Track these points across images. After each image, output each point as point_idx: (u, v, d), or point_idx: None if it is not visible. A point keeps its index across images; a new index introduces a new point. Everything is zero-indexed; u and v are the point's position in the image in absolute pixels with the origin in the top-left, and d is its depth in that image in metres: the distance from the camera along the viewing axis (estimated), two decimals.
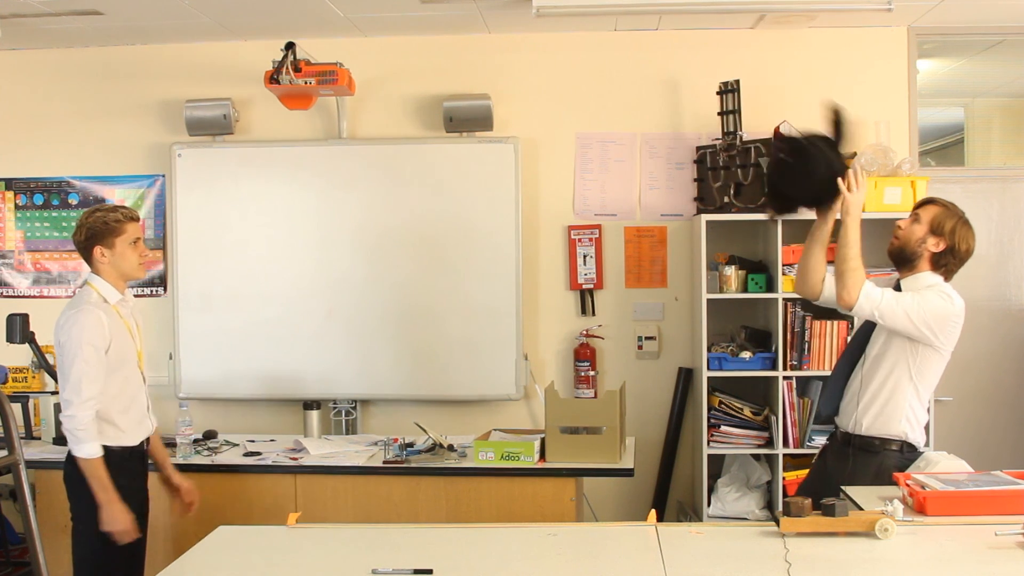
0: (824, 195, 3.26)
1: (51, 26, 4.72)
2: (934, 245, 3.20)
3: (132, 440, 3.37)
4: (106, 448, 3.25)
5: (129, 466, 3.35)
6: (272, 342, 4.97)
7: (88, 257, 3.37)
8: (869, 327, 3.30)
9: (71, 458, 3.26)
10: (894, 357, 3.19)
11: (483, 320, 4.89)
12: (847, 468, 3.20)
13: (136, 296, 5.09)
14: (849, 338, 3.54)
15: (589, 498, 4.74)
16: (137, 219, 3.43)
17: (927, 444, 4.41)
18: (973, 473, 3.00)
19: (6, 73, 5.20)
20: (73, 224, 5.08)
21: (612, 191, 5.00)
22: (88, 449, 3.18)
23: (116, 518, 3.20)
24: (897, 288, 3.26)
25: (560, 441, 3.84)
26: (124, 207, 3.45)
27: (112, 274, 3.36)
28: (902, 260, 3.26)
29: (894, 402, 3.18)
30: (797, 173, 3.31)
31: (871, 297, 3.09)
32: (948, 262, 3.21)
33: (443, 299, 4.91)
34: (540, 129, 5.00)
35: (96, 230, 3.33)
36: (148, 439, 3.50)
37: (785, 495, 4.41)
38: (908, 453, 3.20)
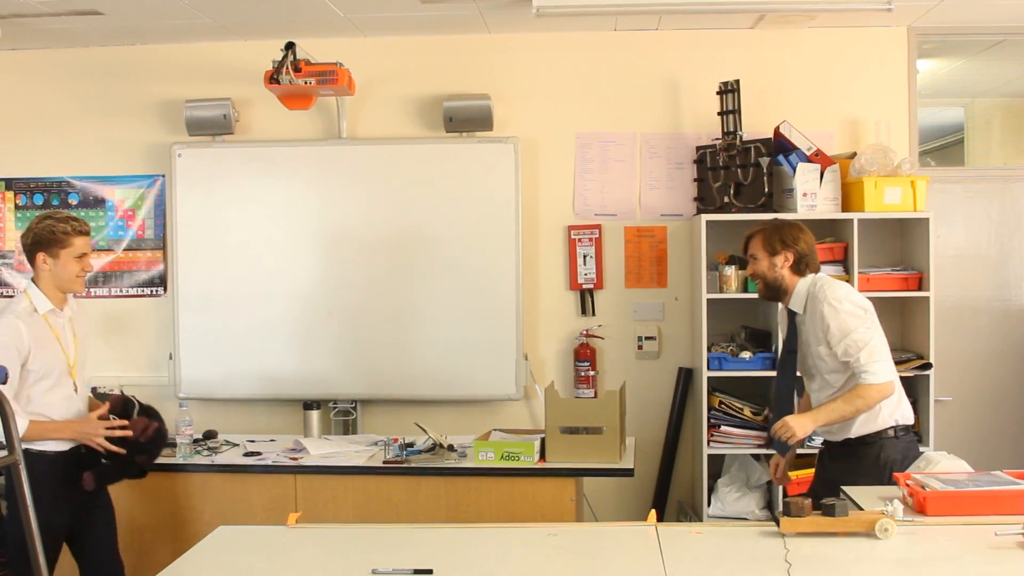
0: None
1: (51, 26, 4.72)
2: (784, 262, 3.34)
3: (64, 445, 3.35)
4: (41, 453, 3.23)
5: (63, 471, 3.33)
6: (272, 342, 4.97)
7: (31, 261, 3.36)
8: (789, 359, 3.41)
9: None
10: (840, 363, 3.25)
11: (483, 320, 4.89)
12: (849, 466, 3.23)
13: (136, 296, 5.16)
14: (778, 358, 3.63)
15: (589, 498, 4.74)
16: (87, 233, 3.40)
17: (927, 444, 4.45)
18: (973, 473, 3.01)
19: (6, 73, 5.20)
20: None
21: (612, 191, 5.00)
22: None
23: (88, 432, 3.28)
24: (792, 314, 3.39)
25: (560, 441, 3.84)
26: (76, 220, 3.40)
27: (50, 284, 3.35)
28: (777, 294, 3.40)
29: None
30: None
31: (880, 370, 3.17)
32: (805, 263, 3.35)
33: (443, 299, 4.91)
34: (540, 129, 4.99)
35: (42, 237, 3.32)
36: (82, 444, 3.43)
37: (785, 495, 4.40)
38: (904, 435, 3.26)
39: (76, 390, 3.43)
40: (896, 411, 3.26)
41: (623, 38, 4.97)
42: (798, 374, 3.53)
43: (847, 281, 4.51)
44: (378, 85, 5.02)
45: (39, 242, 3.32)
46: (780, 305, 3.55)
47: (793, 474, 4.45)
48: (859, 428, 3.25)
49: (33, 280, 3.39)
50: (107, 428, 3.35)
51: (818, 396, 3.39)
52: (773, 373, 4.49)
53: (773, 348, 4.54)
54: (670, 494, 4.97)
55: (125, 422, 3.42)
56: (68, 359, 3.39)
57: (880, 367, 3.17)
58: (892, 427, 3.24)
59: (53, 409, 3.33)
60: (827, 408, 3.23)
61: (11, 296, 5.18)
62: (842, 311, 3.21)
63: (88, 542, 3.51)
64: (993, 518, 2.65)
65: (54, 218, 3.36)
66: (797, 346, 3.40)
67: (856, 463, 3.23)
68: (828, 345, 3.23)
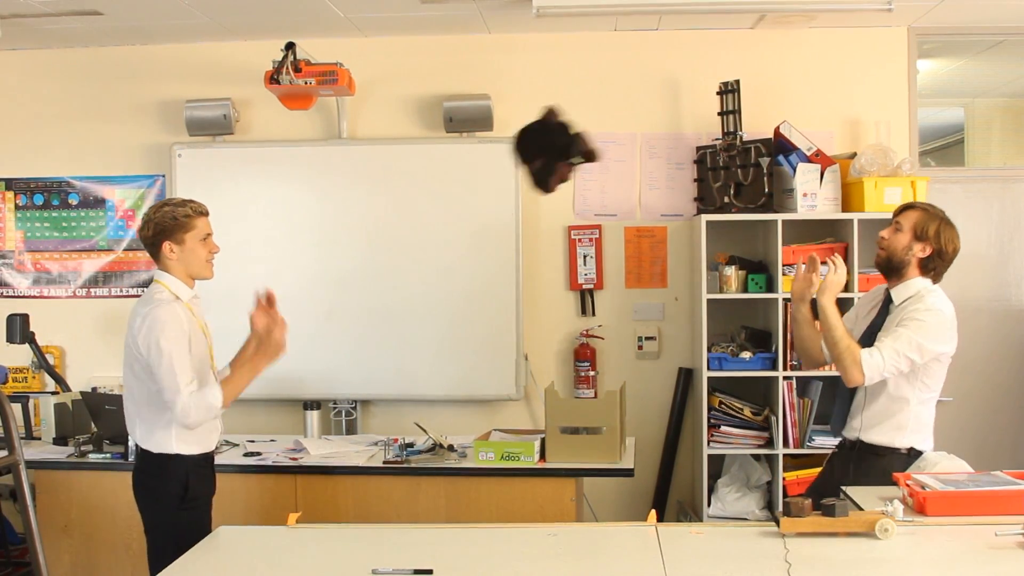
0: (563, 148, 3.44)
1: (51, 26, 4.72)
2: (920, 251, 3.19)
3: (208, 445, 3.26)
4: (180, 456, 3.13)
5: (204, 472, 3.24)
6: None
7: (156, 254, 3.22)
8: (867, 340, 3.26)
9: (140, 467, 3.17)
10: (899, 373, 3.16)
11: (483, 320, 4.89)
12: (852, 471, 3.20)
13: (136, 296, 5.15)
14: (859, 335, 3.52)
15: (589, 498, 4.74)
16: (207, 213, 3.28)
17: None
18: (973, 473, 3.00)
19: (6, 73, 5.20)
20: (73, 224, 5.15)
21: (612, 191, 5.00)
22: (215, 396, 3.07)
23: (274, 350, 3.19)
24: (888, 299, 3.26)
25: (560, 441, 3.84)
26: (193, 201, 3.27)
27: (181, 272, 3.23)
28: (891, 270, 3.25)
29: (901, 416, 3.18)
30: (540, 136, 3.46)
31: (874, 367, 3.08)
32: (936, 265, 3.21)
33: (443, 299, 4.91)
34: None
35: (164, 225, 3.18)
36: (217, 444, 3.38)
37: (785, 495, 4.41)
38: (914, 457, 3.20)
39: (216, 379, 3.30)
40: (919, 438, 3.20)
41: (623, 38, 4.97)
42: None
43: (846, 281, 4.50)
44: (378, 85, 5.02)
45: (162, 230, 3.17)
46: (875, 289, 3.41)
47: (794, 474, 4.46)
48: (878, 436, 3.19)
49: (161, 271, 3.24)
50: (276, 317, 3.23)
51: (866, 393, 3.26)
52: (774, 373, 4.51)
53: (773, 348, 4.54)
54: (670, 494, 4.97)
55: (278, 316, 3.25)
56: (210, 347, 3.31)
57: (879, 365, 3.06)
58: (907, 448, 3.19)
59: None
60: (836, 315, 3.14)
61: (14, 296, 5.19)
62: (942, 324, 3.11)
63: None
64: (993, 518, 2.65)
65: (171, 203, 3.23)
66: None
67: (860, 471, 3.18)
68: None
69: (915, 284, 3.20)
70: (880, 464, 3.18)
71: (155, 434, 3.14)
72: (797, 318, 3.38)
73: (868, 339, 3.29)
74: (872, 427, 3.21)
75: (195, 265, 3.25)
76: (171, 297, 3.18)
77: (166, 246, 3.19)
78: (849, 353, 3.10)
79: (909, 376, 3.14)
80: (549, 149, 3.44)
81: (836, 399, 3.43)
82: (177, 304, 3.16)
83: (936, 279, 3.23)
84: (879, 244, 3.28)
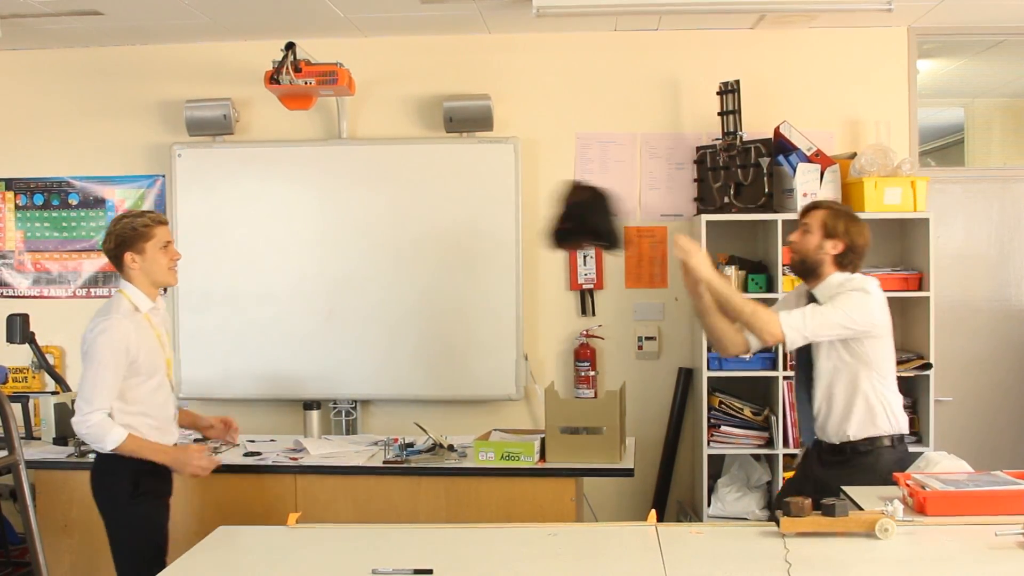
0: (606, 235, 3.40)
1: (51, 26, 4.72)
2: (833, 248, 3.23)
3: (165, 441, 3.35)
4: (135, 457, 3.23)
5: (157, 470, 3.30)
6: (272, 342, 4.97)
7: (119, 265, 3.32)
8: (806, 348, 3.30)
9: (96, 472, 3.28)
10: (844, 363, 3.21)
11: (483, 320, 4.89)
12: (844, 472, 3.20)
13: None
14: (793, 363, 3.53)
15: (589, 498, 4.74)
16: (165, 222, 3.38)
17: (927, 444, 4.45)
18: (973, 473, 3.00)
19: (6, 73, 5.20)
20: (73, 224, 5.15)
21: (612, 191, 4.99)
22: (113, 438, 3.16)
23: (185, 462, 3.28)
24: (811, 299, 3.28)
25: (560, 441, 3.84)
26: (152, 212, 3.41)
27: (144, 281, 3.32)
28: (807, 272, 3.29)
29: (867, 403, 3.20)
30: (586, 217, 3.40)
31: (794, 326, 3.09)
32: (851, 260, 3.24)
33: (443, 299, 4.91)
34: (540, 129, 5.00)
35: (125, 236, 3.28)
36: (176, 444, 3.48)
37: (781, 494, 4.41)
38: (899, 444, 3.23)
39: (173, 387, 3.43)
40: (895, 420, 3.23)
41: (623, 38, 4.97)
42: None
43: None
44: (378, 85, 5.02)
45: (123, 242, 3.27)
46: (798, 287, 3.44)
47: (792, 475, 4.45)
48: (857, 430, 3.20)
49: (125, 282, 3.33)
50: (208, 461, 3.35)
51: (823, 395, 3.30)
52: (774, 373, 4.52)
53: (773, 348, 4.54)
54: (670, 494, 4.97)
55: (219, 462, 3.40)
56: (166, 357, 3.39)
57: (799, 327, 3.07)
58: (889, 435, 3.21)
59: (159, 408, 3.33)
60: (725, 283, 3.18)
61: (15, 296, 5.19)
62: (864, 300, 3.12)
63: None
64: (993, 518, 2.65)
65: (130, 215, 3.34)
66: None
67: (852, 471, 3.19)
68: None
69: (835, 279, 3.24)
70: (869, 461, 3.20)
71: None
72: (700, 309, 3.32)
73: (803, 351, 3.31)
74: (848, 425, 3.22)
75: (157, 273, 3.33)
76: (130, 309, 3.28)
77: (128, 256, 3.29)
78: (757, 315, 3.11)
79: (851, 363, 3.18)
80: (587, 226, 3.40)
81: (798, 412, 3.46)
82: (134, 317, 3.27)
83: (854, 270, 3.27)
84: (791, 248, 3.32)
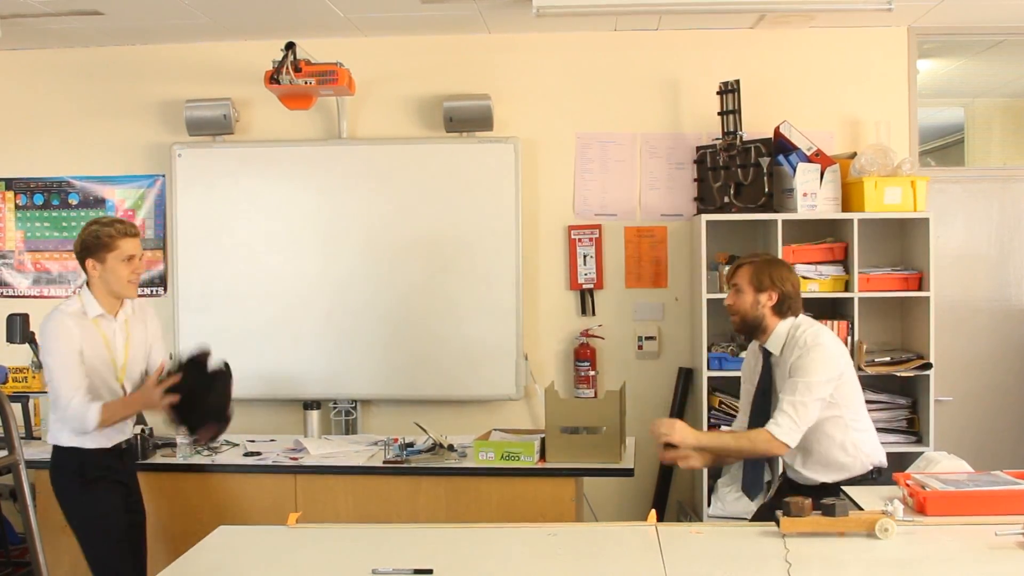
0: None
1: (51, 26, 4.72)
2: (768, 300, 3.26)
3: (104, 442, 3.38)
4: (81, 449, 3.31)
5: (108, 464, 3.38)
6: (272, 342, 4.97)
7: (83, 268, 3.38)
8: (762, 401, 3.31)
9: (51, 468, 3.37)
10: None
11: (483, 320, 4.89)
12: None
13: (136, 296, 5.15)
14: (749, 401, 3.53)
15: (589, 498, 4.74)
16: (135, 235, 3.39)
17: (927, 444, 4.45)
18: (973, 473, 3.01)
19: (6, 73, 5.20)
20: (73, 224, 5.15)
21: (612, 191, 5.00)
22: (92, 416, 3.23)
23: (150, 400, 3.28)
24: (767, 354, 3.31)
25: (560, 441, 3.84)
26: (122, 222, 3.41)
27: (102, 289, 3.36)
28: (751, 329, 3.32)
29: (842, 447, 3.19)
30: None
31: (790, 431, 3.09)
32: (788, 305, 3.27)
33: (443, 299, 4.91)
34: (540, 129, 5.00)
35: (88, 244, 3.33)
36: (130, 441, 3.55)
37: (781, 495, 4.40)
38: (879, 476, 3.22)
39: (125, 391, 3.44)
40: (871, 456, 3.23)
41: (623, 38, 4.97)
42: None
43: (846, 281, 4.52)
44: (378, 85, 5.02)
45: (86, 248, 3.33)
46: (752, 345, 3.47)
47: None
48: (836, 475, 3.20)
49: (87, 285, 3.39)
50: (164, 388, 3.31)
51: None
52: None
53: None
54: (670, 494, 4.97)
55: (176, 378, 3.36)
56: (116, 364, 3.41)
57: (790, 427, 3.08)
58: (868, 471, 3.21)
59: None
60: (715, 434, 3.27)
61: (15, 296, 5.19)
62: (821, 354, 3.13)
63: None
64: (993, 518, 2.65)
65: (100, 223, 3.37)
66: (772, 387, 3.32)
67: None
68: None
69: (782, 329, 3.27)
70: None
71: (52, 428, 3.36)
72: (718, 462, 3.44)
73: (761, 397, 3.34)
74: (824, 471, 3.22)
75: (115, 284, 3.36)
76: (78, 311, 3.33)
77: (89, 263, 3.35)
78: (755, 444, 3.13)
79: (827, 408, 3.16)
80: (201, 408, 3.39)
81: (746, 464, 3.49)
82: (79, 319, 3.32)
83: (795, 314, 3.29)
84: (729, 312, 3.36)
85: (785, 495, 3.29)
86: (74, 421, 3.25)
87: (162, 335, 3.70)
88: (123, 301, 3.44)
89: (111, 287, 3.36)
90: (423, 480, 3.84)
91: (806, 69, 4.90)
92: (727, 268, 4.52)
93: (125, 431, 3.51)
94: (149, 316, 3.61)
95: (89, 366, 3.32)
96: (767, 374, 3.34)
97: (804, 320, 3.29)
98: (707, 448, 3.18)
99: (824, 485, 3.20)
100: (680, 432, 3.14)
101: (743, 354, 4.52)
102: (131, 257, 3.35)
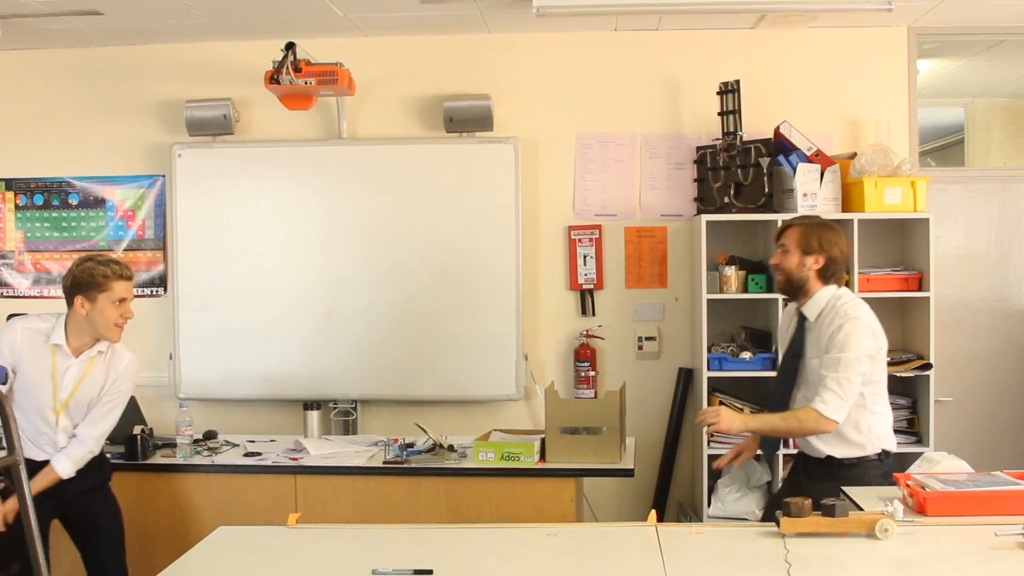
0: None
1: (51, 26, 4.72)
2: (814, 263, 3.26)
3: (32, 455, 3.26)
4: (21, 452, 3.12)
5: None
6: (272, 342, 4.97)
7: (69, 303, 3.28)
8: (792, 363, 3.32)
9: None
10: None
11: (483, 320, 4.89)
12: (831, 485, 3.18)
13: (136, 296, 5.11)
14: (779, 361, 3.57)
15: (589, 498, 4.73)
16: (130, 278, 3.30)
17: (927, 444, 4.45)
18: (973, 473, 3.01)
19: (6, 73, 5.20)
20: (73, 224, 5.15)
21: (612, 191, 5.00)
22: None
23: None
24: (802, 318, 3.31)
25: (560, 441, 3.84)
26: (118, 262, 3.31)
27: (81, 327, 3.28)
28: (794, 291, 3.32)
29: (856, 426, 3.19)
30: None
31: (836, 406, 3.10)
32: (833, 271, 3.27)
33: (443, 299, 4.91)
34: (540, 129, 4.99)
35: (81, 280, 3.24)
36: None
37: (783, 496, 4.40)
38: (886, 459, 3.23)
39: (57, 425, 3.32)
40: (883, 440, 3.24)
41: (623, 38, 4.97)
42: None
43: (847, 282, 4.51)
44: (378, 85, 5.02)
45: (78, 284, 3.24)
46: (789, 306, 3.48)
47: None
48: (846, 450, 3.20)
49: (67, 316, 3.30)
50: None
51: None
52: (772, 373, 4.50)
53: (773, 348, 4.54)
54: (670, 494, 4.97)
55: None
56: (56, 396, 3.29)
57: (837, 403, 3.09)
58: (877, 453, 3.22)
59: (28, 432, 3.27)
60: (762, 417, 3.26)
61: (15, 296, 5.18)
62: (861, 330, 3.13)
63: (92, 552, 3.48)
64: (993, 518, 2.66)
65: (96, 260, 3.28)
66: (804, 351, 3.31)
67: (839, 484, 3.18)
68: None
69: (823, 296, 3.27)
70: (856, 474, 3.20)
71: None
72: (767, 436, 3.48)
73: (791, 360, 3.35)
74: (834, 444, 3.22)
75: (101, 325, 3.28)
76: (43, 331, 3.29)
77: (78, 300, 3.26)
78: (803, 423, 3.15)
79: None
80: None
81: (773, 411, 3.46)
82: (33, 337, 3.27)
83: (838, 282, 3.30)
84: (774, 271, 3.36)
85: (799, 470, 3.36)
86: None
87: (127, 391, 3.47)
88: (96, 342, 3.33)
89: (96, 328, 3.26)
90: (423, 480, 3.84)
91: (806, 69, 4.90)
92: (724, 266, 4.56)
93: (44, 456, 3.32)
94: (122, 369, 3.42)
95: (24, 388, 3.24)
96: (799, 337, 3.33)
97: (846, 292, 3.28)
98: (755, 431, 3.22)
99: (831, 459, 3.21)
100: (727, 420, 3.17)
101: (743, 355, 4.55)
102: (123, 300, 3.27)
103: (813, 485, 3.21)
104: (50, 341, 3.28)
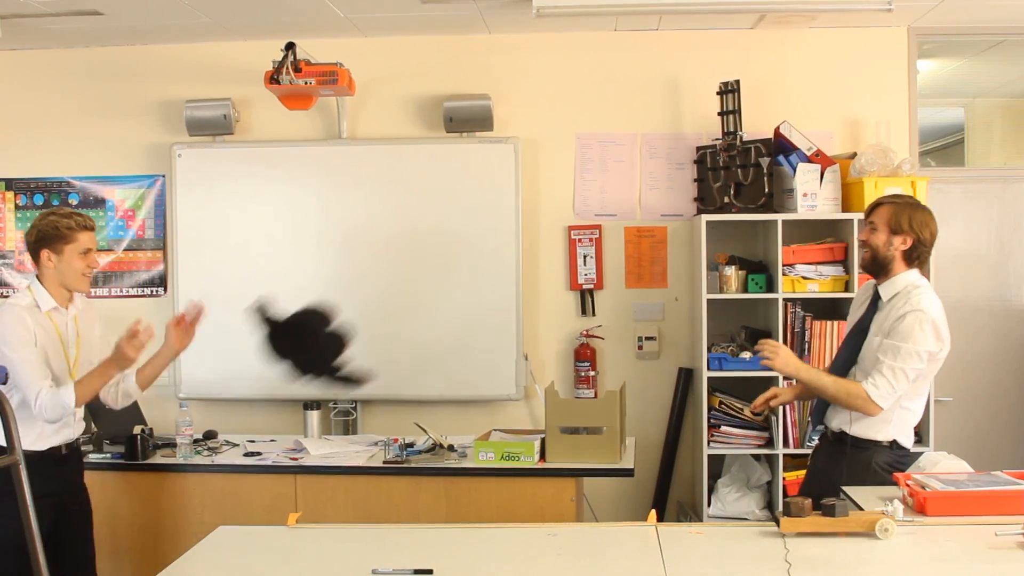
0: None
1: (51, 26, 4.72)
2: (902, 243, 3.22)
3: (50, 443, 3.27)
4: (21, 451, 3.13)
5: (42, 470, 3.14)
6: None
7: (35, 259, 3.33)
8: (857, 339, 3.30)
9: None
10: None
11: (483, 320, 4.89)
12: (841, 465, 3.21)
13: (136, 296, 5.16)
14: (842, 341, 3.55)
15: (589, 498, 4.74)
16: (92, 228, 3.36)
17: (927, 444, 4.45)
18: (973, 473, 3.01)
19: (6, 73, 5.20)
20: None
21: (612, 191, 5.00)
22: (67, 400, 3.18)
23: (123, 357, 3.26)
24: (876, 296, 3.28)
25: (560, 441, 3.84)
26: (80, 215, 3.36)
27: (54, 281, 3.32)
28: (878, 269, 3.28)
29: (889, 412, 3.18)
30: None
31: (886, 393, 3.11)
32: (920, 253, 3.25)
33: (443, 299, 4.91)
34: (540, 129, 4.99)
35: (46, 233, 3.28)
36: (73, 443, 3.41)
37: (785, 495, 4.41)
38: (898, 450, 3.23)
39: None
40: (901, 434, 3.23)
41: (623, 38, 4.97)
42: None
43: (846, 281, 4.52)
44: (378, 85, 5.02)
45: (43, 238, 3.29)
46: (866, 283, 3.43)
47: (794, 474, 4.46)
48: (861, 430, 3.20)
49: (37, 278, 3.35)
50: (134, 340, 3.29)
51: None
52: (773, 373, 4.50)
53: None
54: (670, 494, 4.97)
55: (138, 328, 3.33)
56: (68, 359, 3.36)
57: (888, 390, 3.10)
58: (889, 441, 3.21)
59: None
60: (818, 372, 3.24)
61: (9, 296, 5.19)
62: (926, 324, 3.12)
63: (64, 550, 3.39)
64: (993, 518, 2.65)
65: (58, 214, 3.33)
66: (869, 328, 3.27)
67: (846, 464, 3.20)
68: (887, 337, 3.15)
69: (902, 279, 3.24)
70: (864, 457, 3.20)
71: None
72: (802, 396, 3.50)
73: (856, 335, 3.32)
74: (859, 421, 3.21)
75: (70, 277, 3.32)
76: (30, 304, 3.29)
77: (44, 254, 3.30)
78: (851, 399, 3.14)
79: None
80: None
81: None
82: (32, 312, 3.27)
83: (922, 266, 3.28)
84: (861, 247, 3.33)
85: (819, 454, 3.41)
86: (50, 411, 3.16)
87: (104, 337, 3.56)
88: (72, 296, 3.39)
89: (65, 280, 3.32)
90: (423, 480, 3.84)
91: (806, 69, 4.90)
92: (724, 266, 4.56)
93: (76, 428, 3.40)
94: (96, 316, 3.54)
95: (47, 362, 3.26)
96: (869, 315, 3.30)
97: (924, 283, 3.25)
98: (805, 381, 3.22)
99: (843, 436, 3.22)
100: (783, 360, 3.18)
101: (743, 354, 4.55)
102: (88, 251, 3.32)
103: (827, 464, 3.26)
104: (43, 308, 3.30)
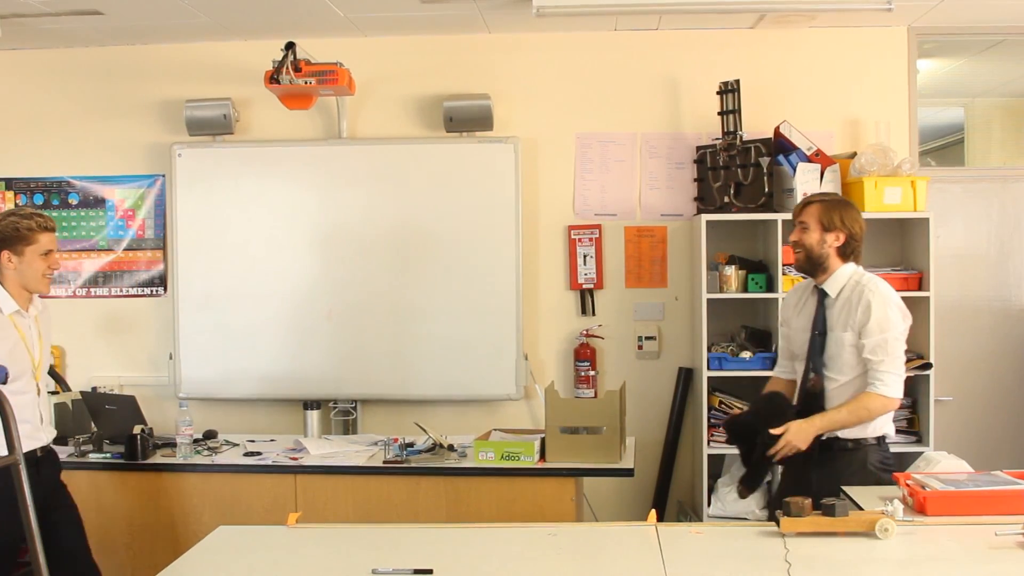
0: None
1: (51, 26, 4.72)
2: (835, 240, 3.25)
3: (24, 448, 3.15)
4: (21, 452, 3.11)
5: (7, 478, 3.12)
6: (272, 342, 4.97)
7: None
8: (820, 340, 3.30)
9: None
10: (858, 366, 3.21)
11: (483, 320, 4.89)
12: (832, 468, 3.21)
13: (136, 296, 5.16)
14: (781, 350, 3.58)
15: (589, 498, 4.74)
16: (53, 229, 3.33)
17: (927, 444, 4.45)
18: (973, 473, 3.01)
19: (6, 73, 5.20)
20: (73, 224, 5.15)
21: (612, 191, 5.00)
22: None
23: None
24: (823, 294, 3.29)
25: (560, 441, 3.84)
26: (41, 216, 3.33)
27: (15, 283, 3.28)
28: (814, 267, 3.31)
29: None
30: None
31: (896, 384, 3.16)
32: (852, 248, 3.28)
33: (443, 299, 4.91)
34: (540, 129, 4.99)
35: (6, 235, 3.25)
36: (44, 449, 3.36)
37: (786, 495, 4.40)
38: (883, 444, 3.26)
39: (39, 392, 3.34)
40: (886, 426, 3.27)
41: (623, 38, 4.97)
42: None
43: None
44: (378, 85, 5.02)
45: (3, 239, 3.24)
46: (799, 286, 3.46)
47: None
48: (851, 431, 3.21)
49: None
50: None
51: (830, 399, 3.30)
52: (772, 373, 4.50)
53: (773, 348, 4.54)
54: (670, 494, 4.97)
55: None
56: (33, 361, 3.32)
57: (895, 381, 3.14)
58: (877, 437, 3.24)
59: (21, 412, 3.16)
60: (829, 417, 3.18)
61: None
62: (891, 307, 3.17)
63: (56, 547, 3.37)
64: (993, 518, 2.65)
65: (18, 214, 3.29)
66: (827, 327, 3.28)
67: (843, 468, 3.20)
68: (858, 335, 3.17)
69: (843, 273, 3.27)
70: (858, 457, 3.21)
71: None
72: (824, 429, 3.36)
73: (819, 338, 3.30)
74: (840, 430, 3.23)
75: (31, 278, 3.29)
76: None
77: (4, 255, 3.26)
78: (872, 411, 3.17)
79: (860, 359, 3.20)
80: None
81: (801, 389, 3.44)
82: None
83: (857, 260, 3.31)
84: (794, 249, 3.35)
85: (796, 466, 3.33)
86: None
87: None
88: (32, 298, 3.36)
89: (26, 281, 3.28)
90: (423, 480, 3.84)
91: (806, 69, 4.90)
92: (724, 266, 4.56)
93: (44, 437, 3.36)
94: (49, 317, 3.51)
95: (11, 367, 3.17)
96: (821, 312, 3.31)
97: (865, 272, 3.29)
98: (827, 429, 3.20)
99: (832, 443, 3.21)
100: (797, 437, 3.15)
101: (743, 354, 4.55)
102: (49, 252, 3.30)
103: (816, 473, 3.23)
104: (5, 312, 3.25)
